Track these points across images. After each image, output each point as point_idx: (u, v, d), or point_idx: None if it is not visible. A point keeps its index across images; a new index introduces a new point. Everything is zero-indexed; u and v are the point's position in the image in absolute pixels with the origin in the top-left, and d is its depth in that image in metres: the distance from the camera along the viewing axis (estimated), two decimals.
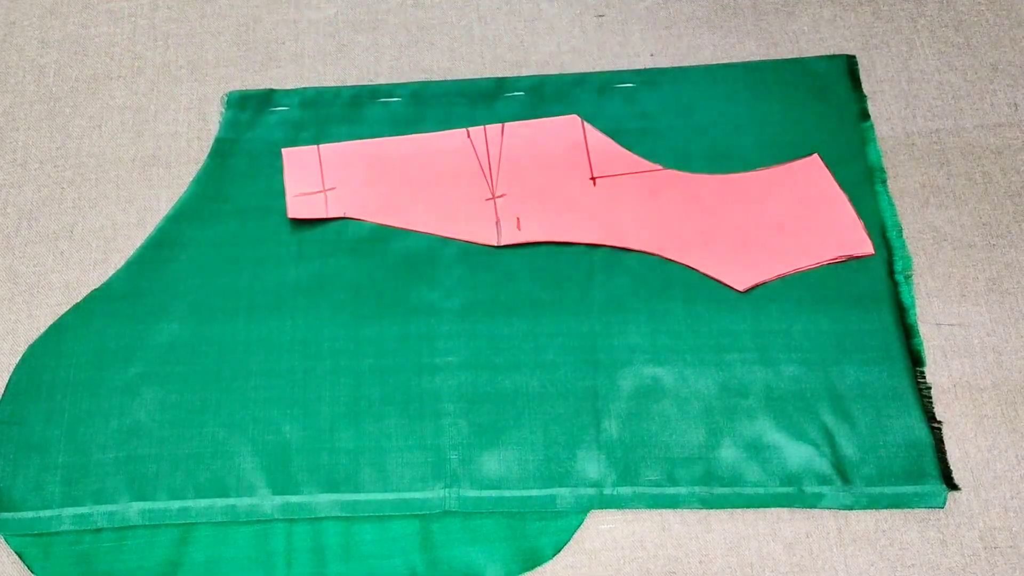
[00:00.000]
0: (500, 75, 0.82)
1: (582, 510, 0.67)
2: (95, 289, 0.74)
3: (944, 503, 0.66)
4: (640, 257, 0.74)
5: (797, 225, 0.75)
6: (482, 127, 0.79)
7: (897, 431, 0.68)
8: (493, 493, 0.67)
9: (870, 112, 0.80)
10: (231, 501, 0.67)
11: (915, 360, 0.70)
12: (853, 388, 0.69)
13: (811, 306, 0.72)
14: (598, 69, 0.83)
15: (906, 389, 0.69)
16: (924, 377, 0.70)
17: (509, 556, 0.65)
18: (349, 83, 0.83)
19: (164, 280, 0.74)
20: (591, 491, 0.67)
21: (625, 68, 0.82)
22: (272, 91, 0.82)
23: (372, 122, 0.80)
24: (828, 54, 0.83)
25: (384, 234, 0.75)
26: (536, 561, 0.65)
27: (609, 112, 0.80)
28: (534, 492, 0.67)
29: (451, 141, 0.79)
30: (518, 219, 0.75)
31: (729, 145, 0.78)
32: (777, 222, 0.75)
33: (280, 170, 0.78)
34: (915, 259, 0.74)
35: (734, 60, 0.83)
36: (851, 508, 0.66)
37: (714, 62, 0.82)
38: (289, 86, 0.82)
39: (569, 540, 0.66)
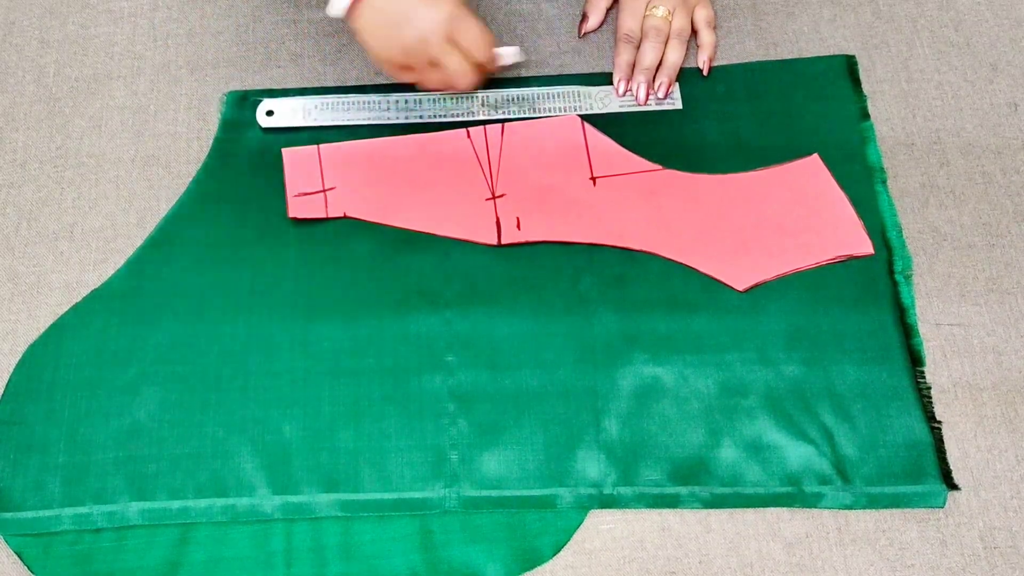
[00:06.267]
0: (500, 75, 0.82)
1: (582, 510, 0.67)
2: (95, 289, 0.74)
3: (944, 503, 0.66)
4: (640, 257, 0.74)
5: (797, 225, 0.75)
6: (482, 127, 0.79)
7: (897, 431, 0.68)
8: (493, 493, 0.67)
9: (870, 112, 0.80)
10: (231, 501, 0.67)
11: (915, 360, 0.70)
12: (853, 388, 0.69)
13: (811, 306, 0.72)
14: (598, 70, 0.82)
15: (906, 389, 0.69)
16: (924, 377, 0.70)
17: (509, 556, 0.65)
18: (349, 83, 0.83)
19: (164, 280, 0.74)
20: (591, 491, 0.67)
21: None
22: (272, 91, 0.82)
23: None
24: (828, 54, 0.83)
25: (384, 234, 0.75)
26: (536, 561, 0.65)
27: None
28: (534, 492, 0.67)
29: (451, 141, 0.79)
30: (518, 219, 0.75)
31: (729, 145, 0.78)
32: (777, 222, 0.75)
33: (280, 170, 0.78)
34: (915, 259, 0.74)
35: (734, 60, 0.83)
36: (851, 508, 0.66)
37: (714, 62, 0.82)
38: (289, 86, 0.82)
39: (569, 540, 0.66)
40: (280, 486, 0.67)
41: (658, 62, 0.80)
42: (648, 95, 0.80)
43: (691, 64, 0.82)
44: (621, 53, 0.81)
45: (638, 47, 0.81)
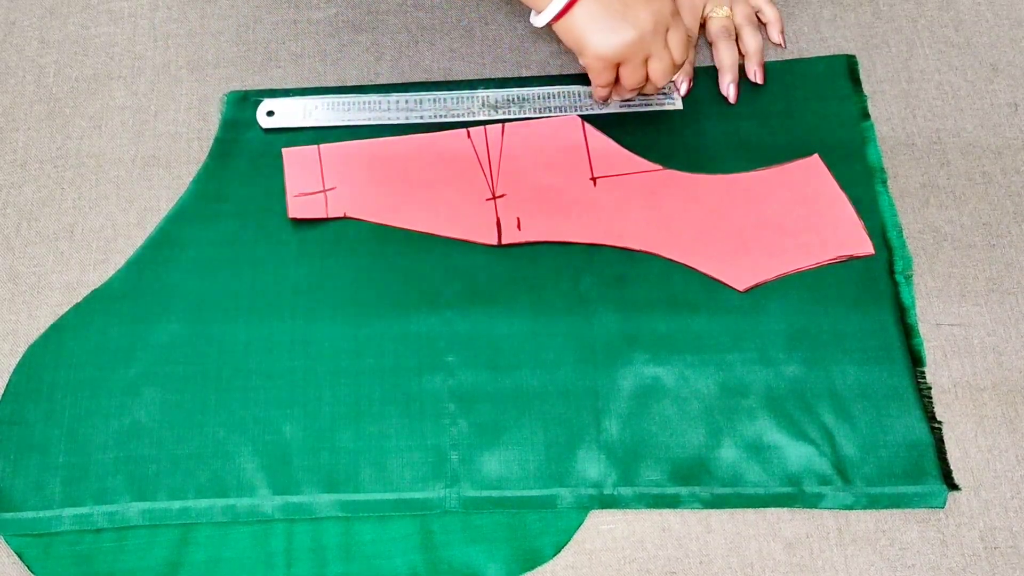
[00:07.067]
0: (501, 75, 0.82)
1: (582, 510, 0.67)
2: (95, 289, 0.74)
3: (944, 503, 0.66)
4: (640, 257, 0.74)
5: (797, 225, 0.75)
6: (482, 127, 0.79)
7: (897, 431, 0.68)
8: (493, 493, 0.67)
9: (870, 112, 0.80)
10: (231, 501, 0.67)
11: (915, 360, 0.70)
12: (853, 388, 0.69)
13: (811, 306, 0.72)
14: None
15: (906, 389, 0.69)
16: (924, 377, 0.70)
17: (509, 556, 0.65)
18: (349, 83, 0.83)
19: (164, 280, 0.74)
20: (591, 491, 0.67)
21: None
22: (272, 91, 0.82)
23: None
24: (828, 54, 0.83)
25: (384, 234, 0.75)
26: (536, 561, 0.65)
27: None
28: (534, 492, 0.67)
29: (451, 141, 0.79)
30: (518, 219, 0.75)
31: (729, 145, 0.78)
32: (777, 222, 0.75)
33: (280, 170, 0.78)
34: (915, 259, 0.74)
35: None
36: (851, 508, 0.66)
37: (715, 63, 0.82)
38: (289, 86, 0.82)
39: (569, 540, 0.66)
40: (280, 486, 0.67)
41: (737, 57, 0.80)
42: (738, 93, 0.80)
43: (705, 64, 0.82)
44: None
45: (695, 45, 0.81)
